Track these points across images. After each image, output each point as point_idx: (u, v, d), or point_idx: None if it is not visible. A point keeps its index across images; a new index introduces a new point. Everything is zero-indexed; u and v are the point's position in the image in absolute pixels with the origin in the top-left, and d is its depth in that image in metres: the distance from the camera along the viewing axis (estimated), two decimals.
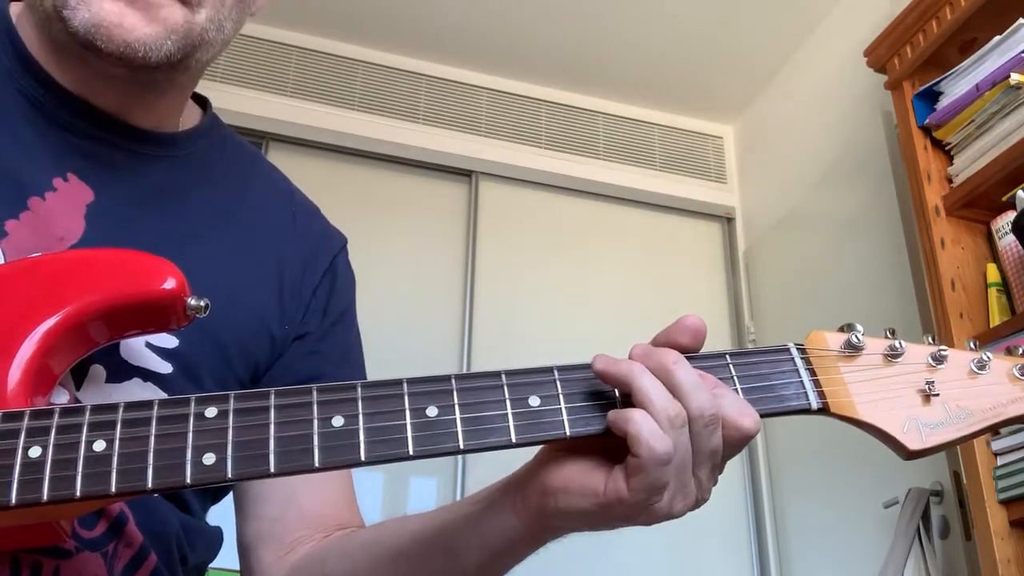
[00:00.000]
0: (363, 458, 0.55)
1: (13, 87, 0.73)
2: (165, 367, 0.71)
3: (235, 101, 2.85)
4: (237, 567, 0.81)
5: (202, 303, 0.65)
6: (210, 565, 0.81)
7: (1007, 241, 1.90)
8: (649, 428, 0.55)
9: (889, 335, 0.66)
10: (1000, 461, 1.73)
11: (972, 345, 0.67)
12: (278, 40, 3.09)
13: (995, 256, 1.96)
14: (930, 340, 0.67)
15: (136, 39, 0.69)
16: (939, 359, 0.65)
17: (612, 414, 0.57)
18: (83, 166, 0.73)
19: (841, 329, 0.66)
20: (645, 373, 0.58)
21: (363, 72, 3.16)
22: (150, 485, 0.52)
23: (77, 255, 0.67)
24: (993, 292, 1.90)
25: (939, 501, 2.07)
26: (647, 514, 0.57)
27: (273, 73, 3.05)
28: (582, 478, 0.58)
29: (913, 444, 0.62)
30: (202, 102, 0.88)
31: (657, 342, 0.63)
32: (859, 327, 0.65)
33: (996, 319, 1.86)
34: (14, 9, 0.77)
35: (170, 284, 0.64)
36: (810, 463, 2.67)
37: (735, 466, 2.91)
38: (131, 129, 0.77)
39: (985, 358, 0.65)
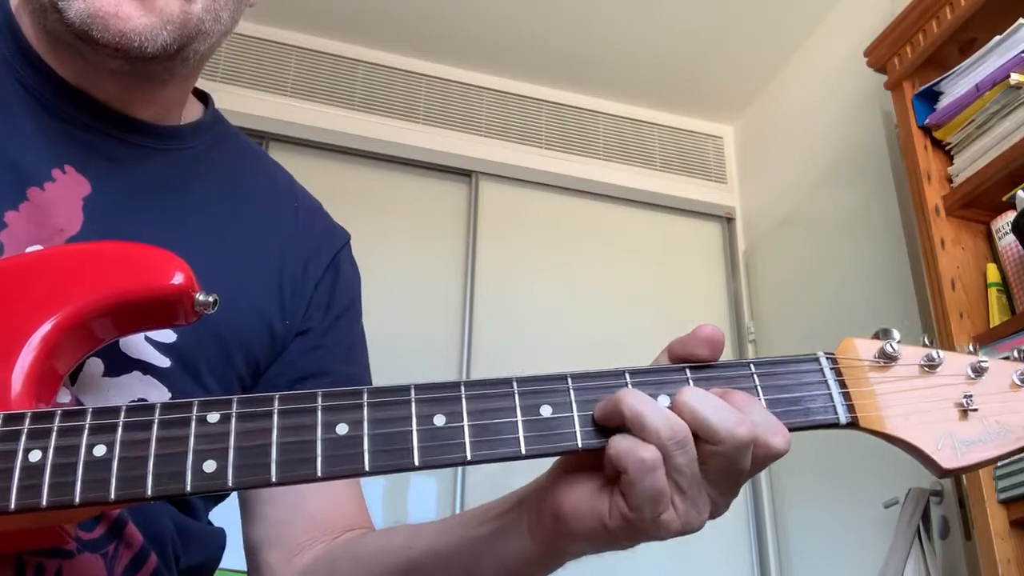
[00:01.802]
0: (367, 468, 0.53)
1: (12, 77, 0.73)
2: (164, 361, 0.71)
3: (235, 101, 2.84)
4: (240, 567, 0.81)
5: (210, 299, 0.64)
6: (219, 566, 0.81)
7: (1007, 241, 1.89)
8: (628, 441, 0.54)
9: (927, 343, 0.62)
10: (1000, 461, 1.73)
11: (1016, 355, 0.62)
12: (278, 40, 3.09)
13: (995, 256, 1.96)
14: (970, 349, 0.63)
15: (132, 29, 0.69)
16: (979, 371, 0.61)
17: (605, 457, 0.55)
18: (81, 158, 0.73)
19: (876, 336, 0.62)
20: (633, 395, 0.55)
21: (363, 72, 3.16)
22: (149, 492, 0.51)
23: (81, 249, 0.66)
24: (993, 292, 1.90)
25: (939, 501, 2.07)
26: (657, 528, 0.56)
27: (273, 73, 3.05)
28: (590, 502, 0.57)
29: (947, 463, 0.58)
30: (203, 97, 0.88)
31: (673, 353, 0.61)
32: (895, 334, 0.61)
33: (996, 319, 1.86)
34: None
35: (178, 279, 0.62)
36: (810, 463, 2.67)
37: None
38: (131, 121, 0.76)
39: None
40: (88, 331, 0.62)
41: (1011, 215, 1.87)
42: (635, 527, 0.56)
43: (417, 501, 2.73)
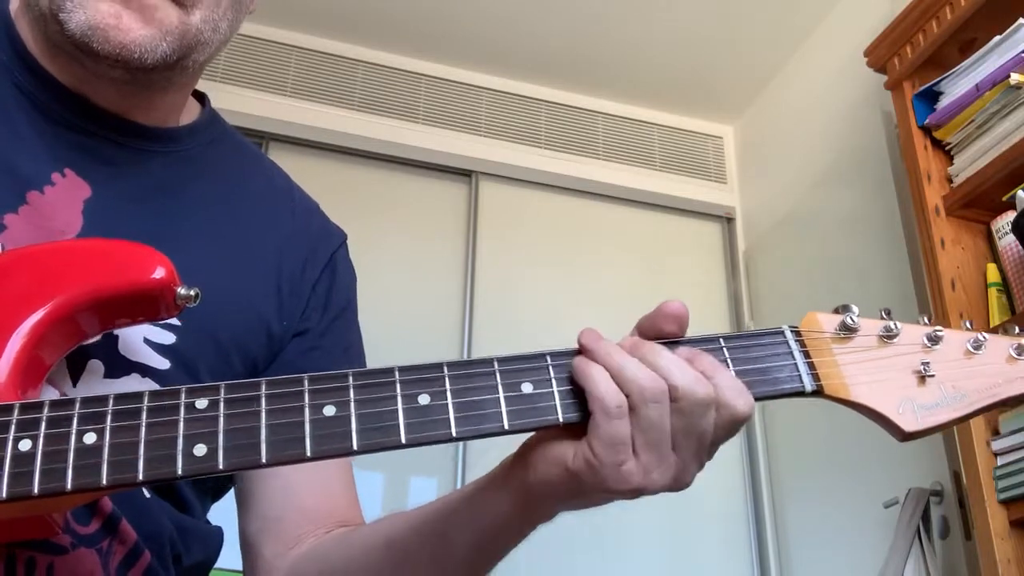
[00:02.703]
0: (355, 447, 0.54)
1: (10, 81, 0.73)
2: (163, 363, 0.71)
3: (235, 101, 2.85)
4: (239, 567, 0.81)
5: (192, 292, 0.64)
6: (214, 566, 0.81)
7: (1007, 241, 1.89)
8: (604, 385, 0.57)
9: (884, 316, 0.65)
10: (1000, 461, 1.73)
11: (968, 325, 0.67)
12: (278, 40, 3.09)
13: (995, 256, 1.96)
14: (925, 321, 0.67)
15: (132, 40, 0.69)
16: (935, 339, 0.65)
17: (576, 361, 0.59)
18: (80, 161, 0.73)
19: (836, 310, 0.66)
20: (619, 353, 0.59)
21: (363, 72, 3.16)
22: (141, 477, 0.52)
23: (66, 245, 0.66)
24: (993, 292, 1.90)
25: (939, 501, 2.07)
26: (618, 480, 0.57)
27: (273, 73, 3.05)
28: (557, 449, 0.59)
29: (908, 426, 0.62)
30: (200, 97, 0.88)
31: (642, 332, 0.63)
32: (854, 308, 0.65)
33: (996, 319, 1.86)
34: (12, 3, 0.77)
35: (159, 273, 0.63)
36: (810, 463, 2.67)
37: (735, 465, 2.91)
38: (129, 124, 0.77)
39: (981, 338, 0.65)
40: (74, 324, 0.63)
41: (1011, 215, 1.86)
42: (596, 473, 0.57)
43: (417, 500, 2.72)
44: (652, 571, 2.73)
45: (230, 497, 0.83)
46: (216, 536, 0.80)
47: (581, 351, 0.60)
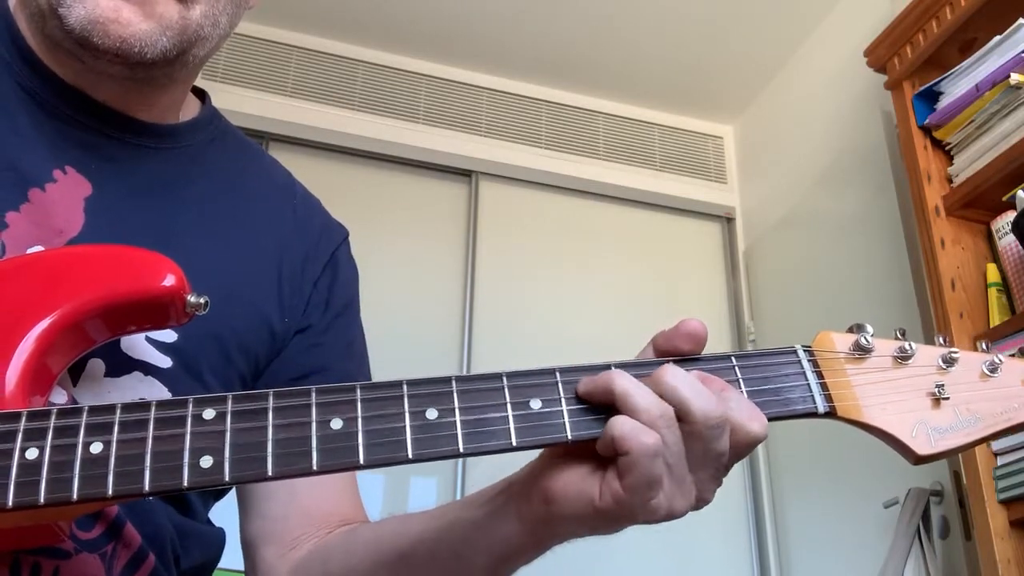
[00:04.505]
0: (362, 461, 0.54)
1: (10, 78, 0.73)
2: (165, 361, 0.71)
3: (235, 101, 2.85)
4: (241, 567, 0.81)
5: (202, 300, 0.64)
6: (217, 566, 0.81)
7: (1007, 241, 1.89)
8: (631, 424, 0.55)
9: (899, 336, 0.64)
10: (1000, 461, 1.73)
11: (984, 347, 0.66)
12: (278, 40, 3.09)
13: (995, 256, 1.96)
14: (941, 341, 0.66)
15: (132, 35, 0.69)
16: (950, 361, 0.64)
17: (602, 438, 0.57)
18: (81, 158, 0.73)
19: (850, 330, 0.65)
20: (623, 376, 0.57)
21: (363, 72, 3.16)
22: (147, 488, 0.52)
23: (75, 251, 0.66)
24: (993, 292, 1.90)
25: (939, 501, 2.07)
26: (646, 512, 0.56)
27: (273, 73, 3.05)
28: (580, 484, 0.57)
29: (922, 449, 0.61)
30: (200, 95, 0.88)
31: (657, 347, 0.62)
32: (869, 328, 0.64)
33: (996, 319, 1.87)
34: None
35: (170, 281, 0.63)
36: (810, 463, 2.67)
37: (735, 466, 2.91)
38: (130, 121, 0.77)
39: (997, 360, 0.64)
40: (82, 331, 0.62)
41: (1011, 215, 1.87)
42: (625, 509, 0.56)
43: (417, 500, 2.74)
44: (652, 571, 2.73)
45: (232, 497, 0.83)
46: (218, 538, 0.80)
47: (586, 399, 0.58)
